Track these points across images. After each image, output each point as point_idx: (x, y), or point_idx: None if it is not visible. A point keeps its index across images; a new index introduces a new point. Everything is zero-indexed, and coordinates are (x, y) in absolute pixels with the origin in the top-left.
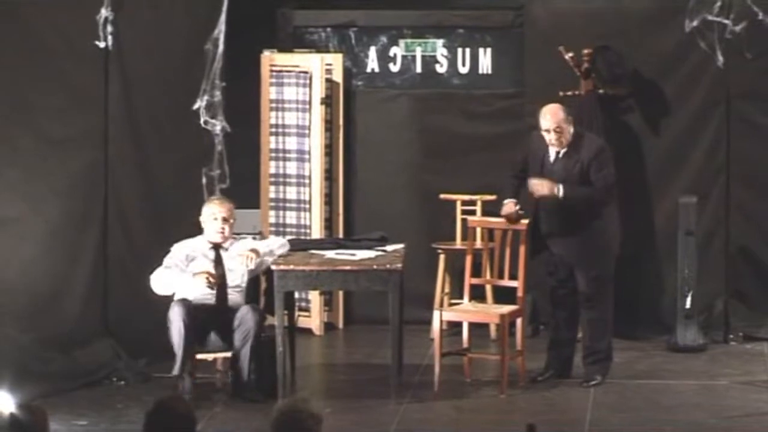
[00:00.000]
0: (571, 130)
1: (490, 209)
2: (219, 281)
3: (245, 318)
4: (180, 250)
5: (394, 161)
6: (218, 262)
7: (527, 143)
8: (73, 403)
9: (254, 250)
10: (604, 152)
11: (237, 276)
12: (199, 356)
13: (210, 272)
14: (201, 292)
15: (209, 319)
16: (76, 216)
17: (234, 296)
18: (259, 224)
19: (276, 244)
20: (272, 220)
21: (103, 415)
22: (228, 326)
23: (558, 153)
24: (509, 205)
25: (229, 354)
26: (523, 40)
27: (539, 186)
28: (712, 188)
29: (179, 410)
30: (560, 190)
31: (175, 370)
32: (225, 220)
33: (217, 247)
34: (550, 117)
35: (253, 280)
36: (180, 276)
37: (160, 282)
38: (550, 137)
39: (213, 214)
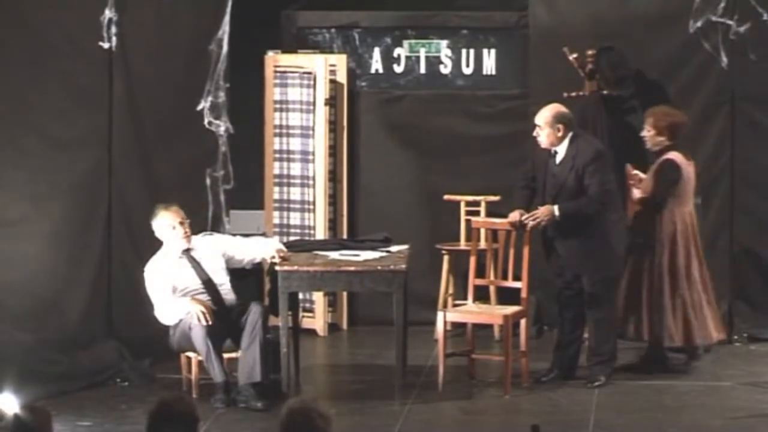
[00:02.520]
0: (559, 134)
1: (494, 210)
2: (211, 314)
3: (251, 312)
4: (157, 274)
5: (398, 162)
6: (196, 266)
7: (532, 151)
8: (76, 404)
9: (280, 250)
10: (598, 158)
11: (220, 274)
12: (200, 358)
13: (203, 310)
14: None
15: (216, 323)
16: (81, 217)
17: (226, 294)
18: (263, 225)
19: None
20: (276, 221)
21: (107, 416)
22: (234, 328)
23: (556, 158)
24: (514, 215)
25: (234, 354)
26: (527, 41)
27: (534, 219)
28: (716, 189)
29: (182, 409)
30: (556, 211)
31: (219, 377)
32: (181, 223)
33: (187, 251)
34: (539, 113)
35: (257, 280)
36: (179, 303)
37: (167, 316)
38: (535, 131)
39: (169, 224)
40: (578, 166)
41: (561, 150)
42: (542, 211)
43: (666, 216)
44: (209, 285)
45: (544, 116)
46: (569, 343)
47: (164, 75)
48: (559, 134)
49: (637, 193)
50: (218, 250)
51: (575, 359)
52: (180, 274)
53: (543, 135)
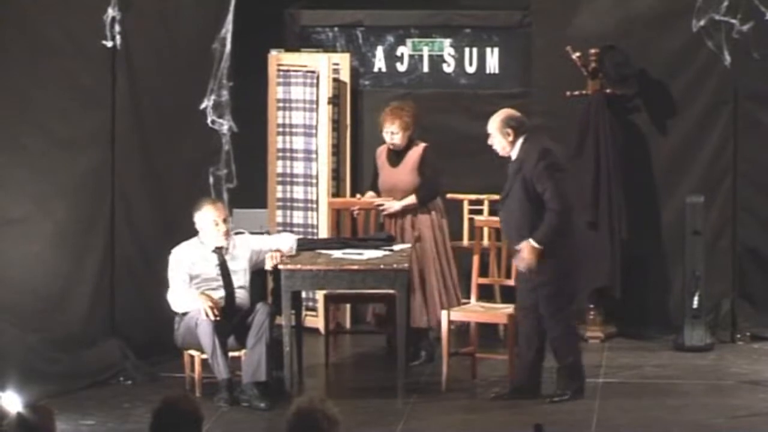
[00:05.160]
0: (509, 138)
1: (498, 209)
2: (219, 311)
3: (258, 311)
4: (180, 261)
5: None
6: (223, 264)
7: None
8: (79, 403)
9: (278, 250)
10: (543, 158)
11: (240, 276)
12: (204, 356)
13: (211, 305)
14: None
15: (223, 320)
16: (83, 216)
17: (240, 296)
18: (266, 224)
19: (285, 243)
20: (279, 219)
21: (110, 414)
22: (239, 327)
23: (510, 163)
24: None
25: (237, 353)
26: (531, 39)
27: (524, 265)
28: (719, 188)
29: (186, 408)
30: (535, 244)
31: (223, 374)
32: (224, 221)
33: (219, 249)
34: (489, 121)
35: (261, 279)
36: (192, 295)
37: (178, 304)
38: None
39: (213, 219)
40: (525, 170)
41: (513, 154)
42: (526, 254)
43: (437, 204)
44: (228, 284)
45: (493, 123)
46: (530, 364)
47: (167, 74)
48: (510, 138)
49: (397, 206)
50: (247, 249)
51: (538, 376)
52: (205, 265)
53: (495, 143)
